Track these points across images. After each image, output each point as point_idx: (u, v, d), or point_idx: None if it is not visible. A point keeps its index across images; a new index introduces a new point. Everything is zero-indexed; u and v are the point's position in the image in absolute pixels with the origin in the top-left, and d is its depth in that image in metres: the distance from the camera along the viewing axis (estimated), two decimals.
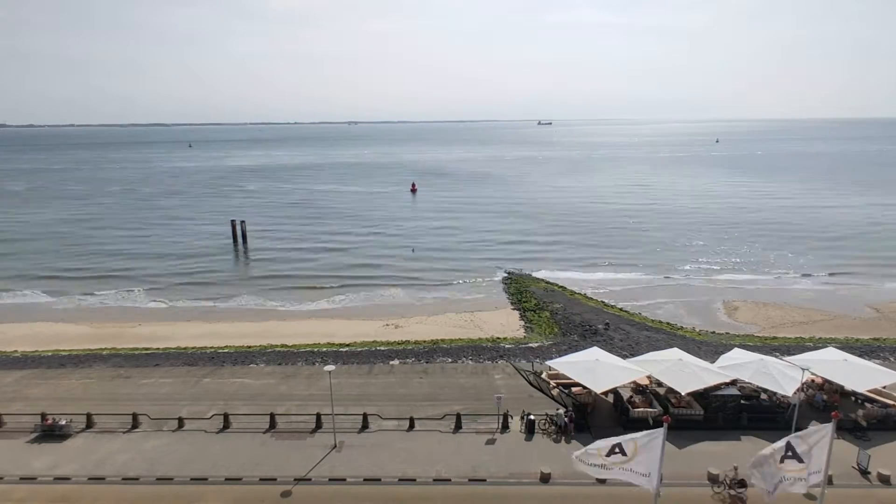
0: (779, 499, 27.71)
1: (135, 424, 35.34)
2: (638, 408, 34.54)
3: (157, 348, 51.12)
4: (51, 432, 34.09)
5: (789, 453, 21.56)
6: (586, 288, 69.32)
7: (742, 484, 27.42)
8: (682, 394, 34.28)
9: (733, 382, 35.86)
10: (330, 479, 29.73)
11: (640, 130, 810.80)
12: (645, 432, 21.75)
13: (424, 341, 51.26)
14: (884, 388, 35.56)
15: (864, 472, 29.32)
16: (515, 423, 34.68)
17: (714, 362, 37.99)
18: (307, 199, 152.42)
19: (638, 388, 36.95)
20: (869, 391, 35.79)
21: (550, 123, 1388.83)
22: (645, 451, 21.30)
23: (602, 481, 28.03)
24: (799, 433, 22.23)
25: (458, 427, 34.48)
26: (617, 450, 21.41)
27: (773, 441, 32.08)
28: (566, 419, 33.98)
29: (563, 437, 33.16)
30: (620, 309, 61.14)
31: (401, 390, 40.39)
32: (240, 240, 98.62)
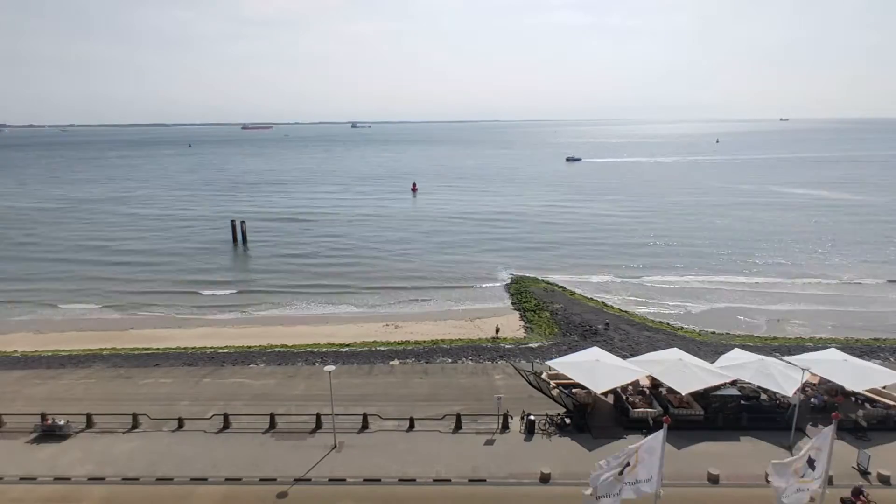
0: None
1: (135, 424, 35.31)
2: (638, 408, 34.52)
3: (157, 348, 51.12)
4: (51, 432, 34.08)
5: (811, 468, 21.69)
6: (591, 290, 69.38)
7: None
8: (683, 394, 34.28)
9: (733, 383, 35.87)
10: (330, 480, 29.71)
11: (645, 131, 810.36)
12: (646, 438, 21.76)
13: (424, 341, 51.27)
14: (884, 388, 35.54)
15: (864, 473, 29.30)
16: (515, 424, 34.66)
17: (714, 362, 37.95)
18: (306, 198, 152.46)
19: (638, 389, 36.95)
20: (869, 391, 35.78)
21: (788, 120, 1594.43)
22: (647, 456, 21.31)
23: None
24: (814, 445, 22.11)
25: (458, 427, 34.45)
26: (627, 463, 21.33)
27: (773, 441, 32.27)
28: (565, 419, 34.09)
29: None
30: (620, 309, 61.16)
31: (401, 390, 40.38)
32: (240, 240, 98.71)
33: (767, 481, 22.40)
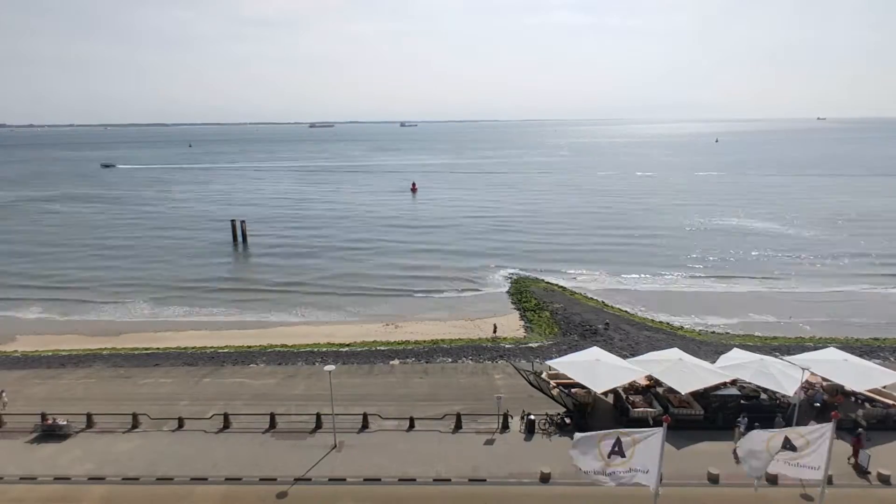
0: (777, 498, 27.80)
1: (135, 424, 35.33)
2: (638, 408, 34.51)
3: (157, 348, 51.12)
4: (51, 432, 34.09)
5: (786, 446, 21.67)
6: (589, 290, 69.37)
7: None
8: (682, 393, 34.28)
9: (733, 382, 35.87)
10: (330, 479, 29.72)
11: (650, 131, 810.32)
12: (644, 430, 21.73)
13: (424, 341, 51.25)
14: (884, 388, 35.52)
15: (864, 472, 29.32)
16: (515, 423, 34.68)
17: (714, 362, 37.94)
18: (306, 198, 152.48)
19: (638, 388, 36.95)
20: (869, 391, 35.76)
21: (825, 119, 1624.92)
22: (643, 448, 21.24)
23: None
24: (796, 428, 22.20)
25: (458, 427, 34.46)
26: (616, 449, 21.32)
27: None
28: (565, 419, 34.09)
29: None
30: (620, 309, 61.16)
31: (401, 390, 40.38)
32: (240, 239, 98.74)
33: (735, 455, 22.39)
